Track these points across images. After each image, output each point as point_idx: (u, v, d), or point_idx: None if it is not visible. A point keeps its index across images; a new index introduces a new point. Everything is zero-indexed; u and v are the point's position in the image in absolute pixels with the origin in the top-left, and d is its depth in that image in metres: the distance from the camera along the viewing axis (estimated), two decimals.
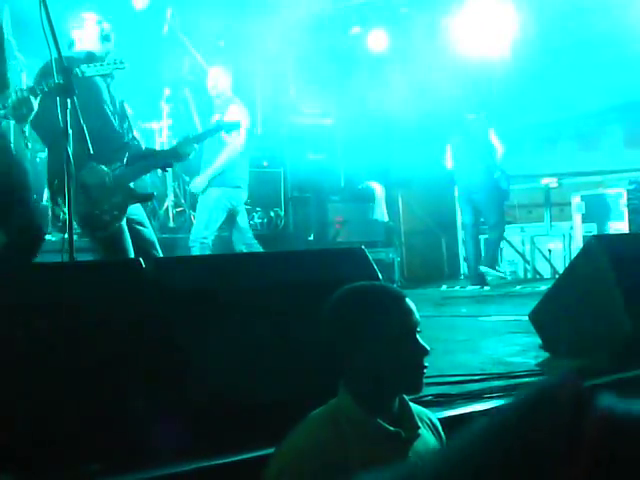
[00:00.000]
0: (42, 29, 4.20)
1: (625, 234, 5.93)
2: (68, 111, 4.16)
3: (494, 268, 11.14)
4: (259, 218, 10.92)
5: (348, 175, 12.43)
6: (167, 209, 10.28)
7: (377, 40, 13.04)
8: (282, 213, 11.17)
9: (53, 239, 8.55)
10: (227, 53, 11.48)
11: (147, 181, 9.87)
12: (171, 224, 10.26)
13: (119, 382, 3.02)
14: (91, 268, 3.72)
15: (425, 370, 2.56)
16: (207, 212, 8.76)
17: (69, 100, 4.16)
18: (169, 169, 7.67)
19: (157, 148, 10.17)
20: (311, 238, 11.13)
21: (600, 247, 5.00)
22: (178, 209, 10.46)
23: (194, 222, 9.28)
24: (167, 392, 3.07)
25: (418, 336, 2.56)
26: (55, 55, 4.26)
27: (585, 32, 11.26)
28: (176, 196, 10.46)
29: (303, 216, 11.43)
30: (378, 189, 12.31)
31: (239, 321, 3.35)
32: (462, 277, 12.59)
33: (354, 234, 11.21)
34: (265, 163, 11.55)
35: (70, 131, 4.19)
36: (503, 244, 12.57)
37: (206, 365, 3.19)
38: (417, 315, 2.59)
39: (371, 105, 12.49)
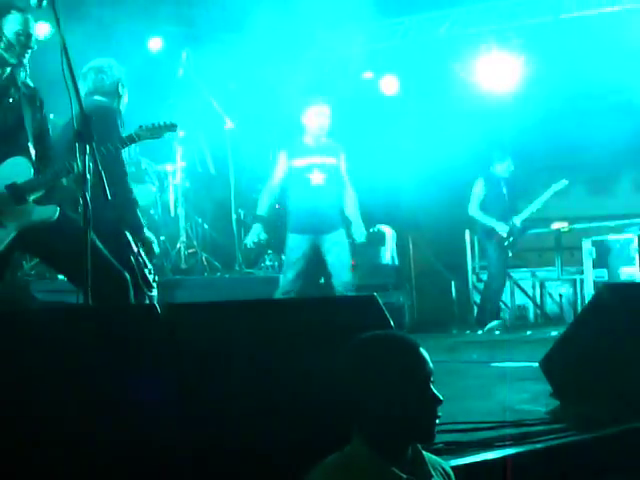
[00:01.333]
0: (63, 77, 4.29)
1: (636, 283, 5.95)
2: (87, 157, 4.21)
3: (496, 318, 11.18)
4: (270, 261, 10.94)
5: None
6: (179, 250, 10.31)
7: (389, 85, 13.15)
8: None
9: (66, 279, 8.60)
10: (239, 96, 11.57)
11: (159, 222, 9.92)
12: (183, 265, 10.28)
13: (132, 428, 3.03)
14: (107, 311, 3.74)
15: (438, 419, 2.58)
16: None
17: (87, 146, 4.22)
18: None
19: (170, 191, 10.25)
20: (322, 282, 11.13)
21: (611, 296, 5.02)
22: (190, 250, 10.48)
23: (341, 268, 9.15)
24: (175, 434, 3.08)
25: (432, 386, 2.58)
26: (75, 101, 4.33)
27: (597, 77, 11.31)
28: (188, 237, 10.49)
29: (314, 259, 11.43)
30: (388, 232, 12.33)
31: (251, 368, 3.37)
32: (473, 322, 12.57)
33: (364, 277, 11.20)
34: (277, 205, 11.58)
35: (89, 176, 4.24)
36: (513, 288, 12.57)
37: (219, 412, 3.21)
38: (431, 364, 2.61)
39: (382, 148, 12.54)
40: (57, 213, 4.88)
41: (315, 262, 9.04)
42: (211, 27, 11.35)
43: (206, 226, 10.78)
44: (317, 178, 8.91)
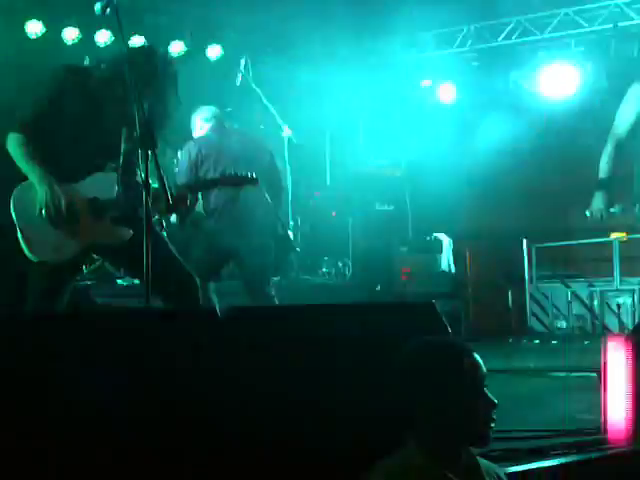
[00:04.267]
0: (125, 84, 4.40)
1: None
2: (149, 163, 4.27)
3: None
4: (327, 267, 10.98)
5: (416, 226, 12.48)
6: None
7: (446, 92, 13.15)
8: (350, 263, 11.23)
9: (124, 284, 8.73)
10: (299, 103, 11.63)
11: None
12: None
13: (184, 429, 3.08)
14: (164, 315, 3.80)
15: (493, 423, 2.60)
16: None
17: (150, 152, 4.27)
18: None
19: None
20: (378, 289, 11.15)
21: None
22: None
23: None
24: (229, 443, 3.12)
25: (486, 390, 2.60)
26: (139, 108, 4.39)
27: None
28: None
29: (370, 266, 11.46)
30: (445, 240, 12.32)
31: (306, 372, 3.40)
32: (529, 331, 12.50)
33: (421, 285, 11.21)
34: (334, 213, 11.65)
35: (152, 183, 4.30)
36: (572, 298, 12.47)
37: (276, 416, 3.24)
38: (484, 369, 2.63)
39: (439, 156, 12.53)
40: (129, 236, 4.89)
41: None
42: (271, 34, 11.43)
43: None
44: None
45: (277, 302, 7.22)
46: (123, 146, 4.96)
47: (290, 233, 7.90)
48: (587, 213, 6.42)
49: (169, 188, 4.65)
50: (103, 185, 4.90)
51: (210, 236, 7.09)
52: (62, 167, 4.79)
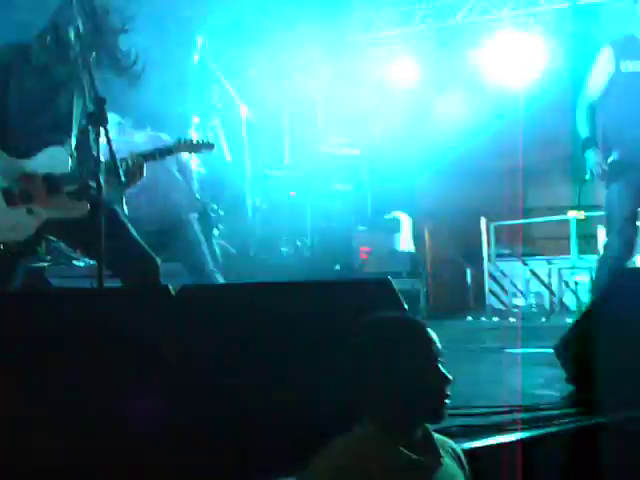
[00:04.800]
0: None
1: None
2: (100, 140, 4.22)
3: None
4: (285, 247, 10.96)
5: (375, 205, 12.47)
6: None
7: (406, 71, 13.13)
8: (308, 243, 11.20)
9: (81, 265, 8.63)
10: (256, 83, 11.57)
11: None
12: None
13: (141, 403, 3.05)
14: (119, 294, 3.76)
15: (448, 399, 2.59)
16: None
17: (102, 129, 4.22)
18: None
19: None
20: (337, 268, 11.15)
21: (628, 280, 5.00)
22: None
23: None
24: (188, 415, 3.10)
25: (440, 365, 2.59)
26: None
27: None
28: None
29: (329, 246, 11.45)
30: (404, 219, 12.34)
31: (261, 351, 3.38)
32: (487, 309, 12.57)
33: (380, 264, 11.23)
34: (292, 193, 11.61)
35: (102, 160, 4.25)
36: (529, 276, 12.55)
37: (230, 394, 3.22)
38: (439, 344, 2.62)
39: (398, 136, 12.53)
40: (86, 210, 4.83)
41: None
42: (228, 12, 11.33)
43: (221, 212, 10.78)
44: None
45: (221, 280, 7.21)
46: (76, 120, 4.89)
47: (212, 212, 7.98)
48: (586, 177, 6.40)
49: (123, 160, 4.63)
50: (57, 160, 4.83)
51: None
52: (13, 143, 4.73)
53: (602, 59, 6.37)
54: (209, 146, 5.65)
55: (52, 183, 4.77)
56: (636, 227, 6.28)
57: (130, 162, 4.81)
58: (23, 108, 4.78)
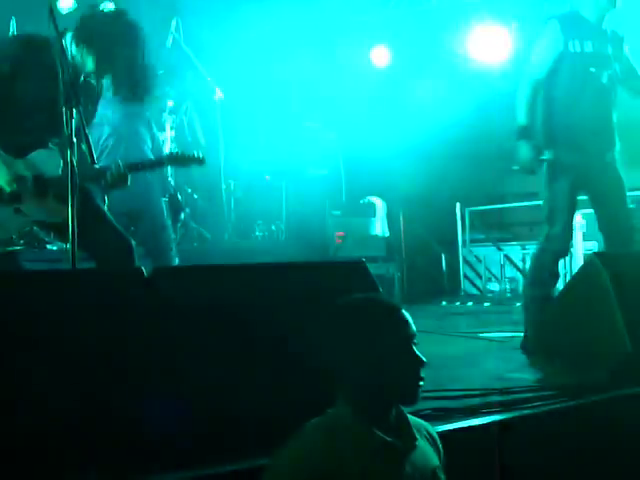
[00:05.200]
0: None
1: (625, 252, 5.96)
2: (74, 121, 4.18)
3: None
4: (260, 231, 10.93)
5: (350, 190, 12.45)
6: None
7: (381, 55, 13.11)
8: (283, 227, 11.18)
9: (54, 248, 8.57)
10: (230, 65, 11.51)
11: None
12: (172, 235, 10.24)
13: (116, 389, 3.03)
14: (92, 276, 3.73)
15: (422, 382, 2.58)
16: None
17: (75, 110, 4.18)
18: None
19: None
20: (312, 252, 11.12)
21: (601, 264, 5.01)
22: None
23: None
24: (164, 400, 3.07)
25: (414, 347, 2.58)
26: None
27: None
28: None
29: (304, 230, 11.43)
30: (379, 204, 12.33)
31: (238, 332, 3.36)
32: (462, 294, 12.61)
33: (355, 249, 11.22)
34: (267, 177, 11.58)
35: (75, 140, 4.21)
36: (504, 261, 12.58)
37: (204, 376, 3.20)
38: (413, 326, 2.61)
39: (373, 120, 12.50)
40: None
41: None
42: None
43: (195, 196, 10.74)
44: None
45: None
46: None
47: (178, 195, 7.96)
48: (515, 167, 6.21)
49: (107, 168, 4.62)
50: (47, 161, 4.80)
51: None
52: (11, 140, 4.69)
53: (549, 34, 6.02)
54: (199, 161, 5.60)
55: (41, 184, 4.76)
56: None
57: (115, 171, 4.80)
58: (25, 104, 4.74)
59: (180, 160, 5.57)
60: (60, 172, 4.76)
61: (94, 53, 4.79)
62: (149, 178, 7.14)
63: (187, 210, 9.25)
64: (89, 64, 4.82)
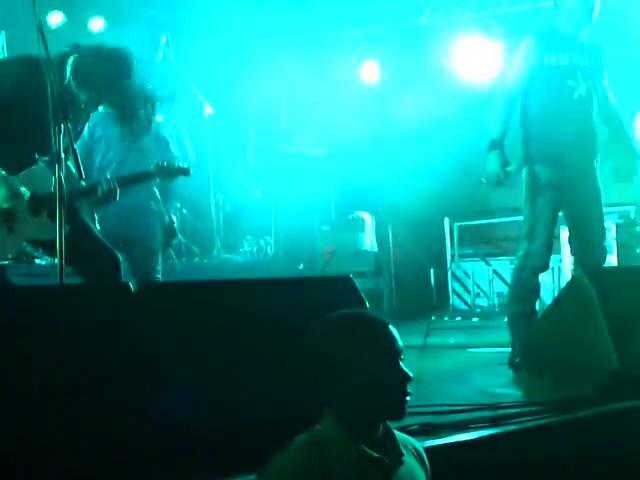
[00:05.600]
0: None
1: (612, 267, 5.99)
2: (62, 136, 4.19)
3: None
4: (249, 246, 10.94)
5: (338, 205, 12.48)
6: None
7: (370, 71, 13.15)
8: (272, 242, 11.19)
9: (43, 263, 8.56)
10: (221, 81, 11.55)
11: None
12: None
13: (103, 404, 3.03)
14: (80, 291, 3.73)
15: (409, 397, 2.58)
16: None
17: (63, 125, 4.19)
18: None
19: None
20: (301, 267, 11.14)
21: (587, 280, 5.03)
22: None
23: None
24: (150, 415, 3.08)
25: (401, 363, 2.58)
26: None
27: None
28: None
29: (293, 245, 11.44)
30: (368, 219, 12.34)
31: (225, 348, 3.37)
32: (451, 309, 12.61)
33: (343, 264, 11.22)
34: (256, 192, 11.60)
35: (63, 155, 4.22)
36: (492, 276, 12.59)
37: (191, 391, 3.20)
38: (400, 342, 2.61)
39: (361, 135, 12.53)
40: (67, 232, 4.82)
41: None
42: (192, 11, 11.30)
43: (185, 211, 10.76)
44: None
45: None
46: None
47: (174, 218, 7.97)
48: (482, 179, 6.22)
49: (98, 183, 4.63)
50: (39, 179, 4.80)
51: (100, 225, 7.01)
52: (9, 157, 4.71)
53: (524, 49, 6.01)
54: (185, 171, 5.66)
55: (35, 203, 4.76)
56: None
57: (105, 186, 4.82)
58: (24, 122, 4.74)
59: (167, 171, 5.61)
60: (52, 189, 4.77)
61: (92, 93, 4.84)
62: (150, 207, 7.12)
63: (179, 237, 9.22)
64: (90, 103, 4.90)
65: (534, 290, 6.05)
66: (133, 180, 5.54)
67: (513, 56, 6.17)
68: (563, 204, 6.03)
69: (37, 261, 8.74)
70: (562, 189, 5.93)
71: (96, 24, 11.09)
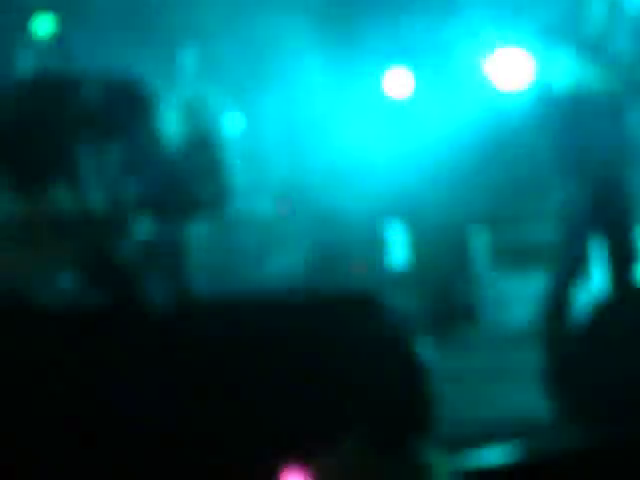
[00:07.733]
0: None
1: None
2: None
3: None
4: None
5: None
6: None
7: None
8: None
9: None
10: None
11: None
12: None
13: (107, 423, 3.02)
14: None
15: (433, 412, 2.66)
16: None
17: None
18: None
19: None
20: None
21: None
22: None
23: None
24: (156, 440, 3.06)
25: (426, 378, 2.64)
26: None
27: None
28: None
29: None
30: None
31: (241, 371, 3.30)
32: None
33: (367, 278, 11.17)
34: None
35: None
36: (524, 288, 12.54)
37: (200, 415, 3.15)
38: (425, 357, 2.67)
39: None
40: None
41: None
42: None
43: None
44: None
45: None
46: None
47: None
48: None
49: None
50: None
51: None
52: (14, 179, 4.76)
53: (554, 59, 6.09)
54: None
55: None
56: None
57: None
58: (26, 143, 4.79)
59: None
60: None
61: None
62: None
63: None
64: None
65: (567, 305, 6.01)
66: None
67: (543, 66, 6.25)
68: (596, 218, 5.96)
69: None
70: (593, 203, 5.87)
71: None
